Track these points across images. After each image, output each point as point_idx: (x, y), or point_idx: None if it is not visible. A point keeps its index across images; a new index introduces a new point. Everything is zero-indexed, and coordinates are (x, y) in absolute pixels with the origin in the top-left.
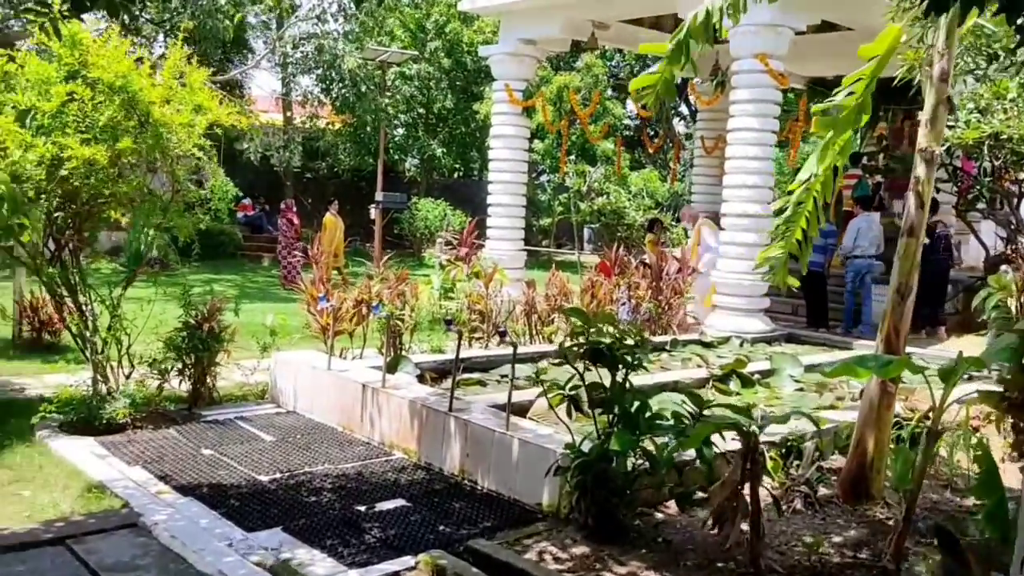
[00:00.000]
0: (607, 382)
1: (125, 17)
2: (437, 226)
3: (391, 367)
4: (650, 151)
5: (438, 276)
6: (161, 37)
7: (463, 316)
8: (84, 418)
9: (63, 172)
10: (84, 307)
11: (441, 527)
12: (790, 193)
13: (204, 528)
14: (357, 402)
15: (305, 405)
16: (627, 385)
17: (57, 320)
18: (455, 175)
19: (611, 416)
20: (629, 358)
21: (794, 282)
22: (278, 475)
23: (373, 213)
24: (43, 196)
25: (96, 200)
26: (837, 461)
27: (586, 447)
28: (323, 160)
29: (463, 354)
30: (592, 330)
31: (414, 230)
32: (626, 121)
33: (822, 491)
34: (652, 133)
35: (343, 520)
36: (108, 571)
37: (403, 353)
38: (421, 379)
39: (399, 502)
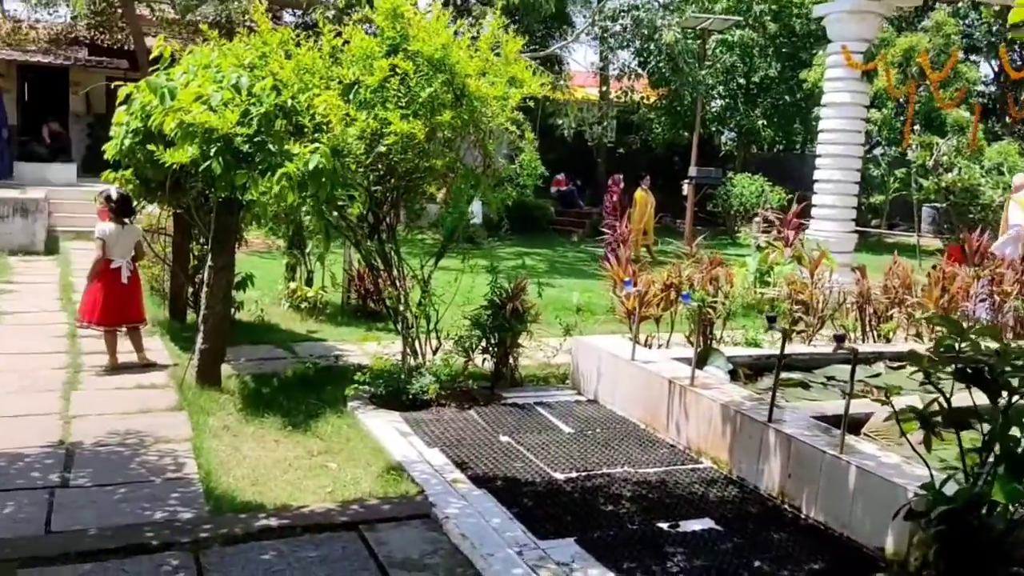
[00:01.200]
0: (976, 402)
1: None
2: (753, 203)
3: (700, 361)
4: (1009, 119)
5: (754, 259)
6: (489, 16)
7: (783, 306)
8: (392, 392)
9: (381, 147)
10: (397, 281)
11: (756, 562)
12: None
13: (495, 528)
14: (662, 399)
15: (606, 395)
16: (1010, 416)
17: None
18: (775, 148)
19: (985, 454)
20: (1017, 382)
21: None
22: (574, 474)
23: (685, 189)
24: (362, 170)
25: (412, 175)
26: None
27: (949, 489)
28: (636, 134)
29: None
30: (965, 344)
31: (728, 207)
32: (980, 87)
33: None
34: (1018, 99)
35: (643, 538)
36: (396, 568)
37: (714, 345)
38: (733, 375)
39: (707, 523)
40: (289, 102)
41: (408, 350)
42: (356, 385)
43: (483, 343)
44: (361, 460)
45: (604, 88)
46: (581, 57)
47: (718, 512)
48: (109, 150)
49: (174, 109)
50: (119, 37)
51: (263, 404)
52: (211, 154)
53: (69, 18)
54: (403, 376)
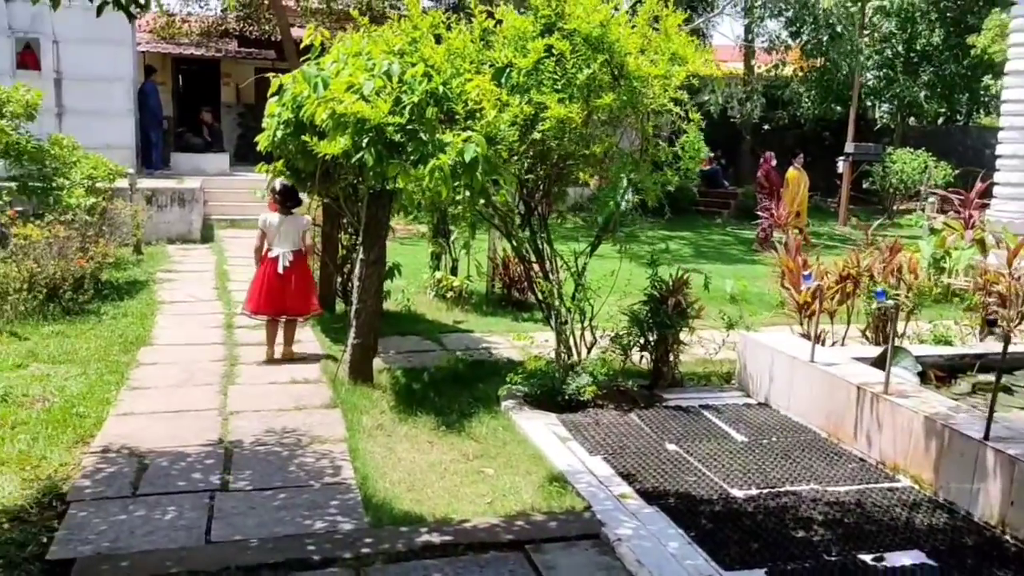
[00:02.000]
0: None
1: None
2: (915, 180)
3: (884, 361)
4: None
5: (928, 242)
6: None
7: (973, 299)
8: (547, 392)
9: (536, 133)
10: (550, 274)
11: None
12: None
13: (673, 554)
14: (849, 407)
15: (779, 399)
16: None
17: (524, 280)
18: (937, 121)
19: None
20: None
21: None
22: (754, 491)
23: (841, 166)
24: (515, 157)
25: (566, 161)
26: None
27: None
28: (783, 110)
29: (976, 349)
30: None
31: (885, 185)
32: None
33: None
34: None
35: (844, 572)
36: None
37: (899, 344)
38: (923, 378)
39: (917, 556)
40: (440, 88)
41: (562, 348)
42: (509, 385)
43: (641, 340)
44: (520, 467)
45: (752, 62)
46: (727, 30)
47: (928, 542)
48: (261, 141)
49: (326, 99)
50: (266, 28)
51: (415, 401)
52: (363, 145)
53: (219, 11)
54: (558, 375)
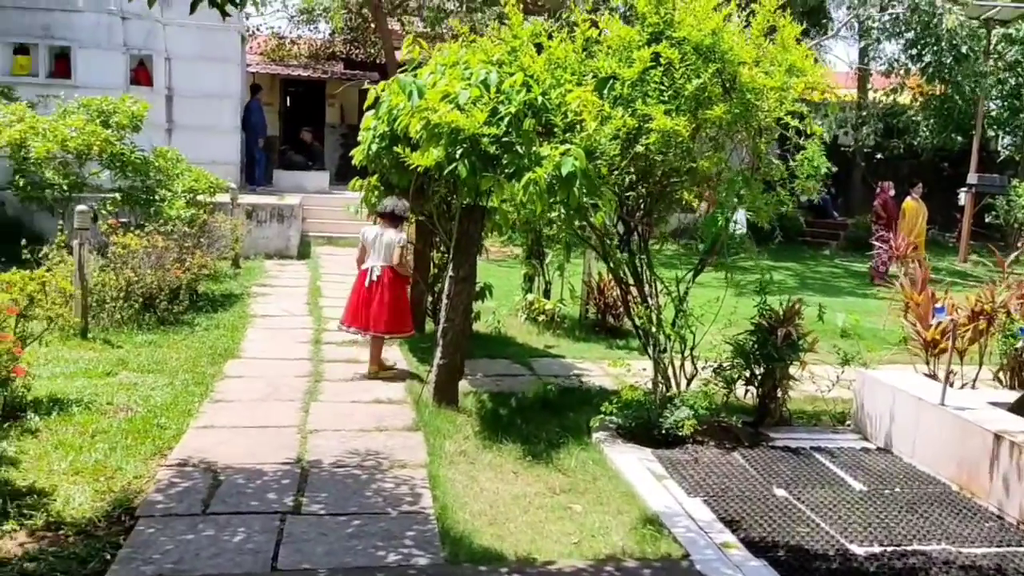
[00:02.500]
0: None
1: None
2: None
3: (1020, 407)
4: None
5: None
6: None
7: None
8: (642, 424)
9: (639, 147)
10: (649, 299)
11: None
12: None
13: None
14: (984, 457)
15: (903, 444)
16: None
17: (621, 305)
18: None
19: None
20: None
21: None
22: (877, 548)
23: (962, 198)
24: (615, 173)
25: (670, 178)
26: None
27: None
28: (899, 138)
29: None
30: None
31: (1010, 220)
32: None
33: None
34: None
35: None
36: None
37: None
38: None
39: None
40: (539, 99)
41: (660, 378)
42: (602, 414)
43: (746, 373)
44: (610, 505)
45: (869, 86)
46: (843, 53)
47: None
48: (356, 155)
49: (420, 109)
50: (371, 51)
51: (501, 428)
52: (457, 156)
53: (327, 34)
54: (655, 407)
